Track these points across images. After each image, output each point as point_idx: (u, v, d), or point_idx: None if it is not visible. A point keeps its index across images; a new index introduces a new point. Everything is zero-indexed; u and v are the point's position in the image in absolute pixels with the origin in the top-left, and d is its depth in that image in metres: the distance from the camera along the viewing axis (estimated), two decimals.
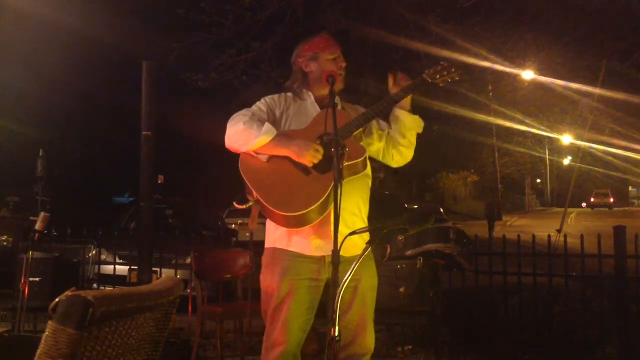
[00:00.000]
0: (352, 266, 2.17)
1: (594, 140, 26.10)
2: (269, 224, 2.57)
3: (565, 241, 5.45)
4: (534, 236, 5.24)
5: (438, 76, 2.59)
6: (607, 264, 4.61)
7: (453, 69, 2.60)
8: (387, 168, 2.88)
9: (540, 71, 14.84)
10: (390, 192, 16.58)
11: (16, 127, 15.61)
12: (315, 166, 2.45)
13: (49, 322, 1.17)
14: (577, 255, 4.82)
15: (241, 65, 11.09)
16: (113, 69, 17.07)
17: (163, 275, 5.67)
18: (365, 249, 2.24)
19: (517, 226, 25.90)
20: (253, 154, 2.52)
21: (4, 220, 8.41)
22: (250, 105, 2.66)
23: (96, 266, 6.78)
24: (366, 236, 2.53)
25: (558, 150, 41.97)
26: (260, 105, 2.65)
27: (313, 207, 2.36)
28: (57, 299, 1.17)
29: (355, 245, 2.45)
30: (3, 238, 7.95)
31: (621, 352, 4.46)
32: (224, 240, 8.46)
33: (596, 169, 37.02)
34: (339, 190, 2.14)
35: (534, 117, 26.29)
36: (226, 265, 4.94)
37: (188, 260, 5.76)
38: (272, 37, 10.89)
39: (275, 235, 2.56)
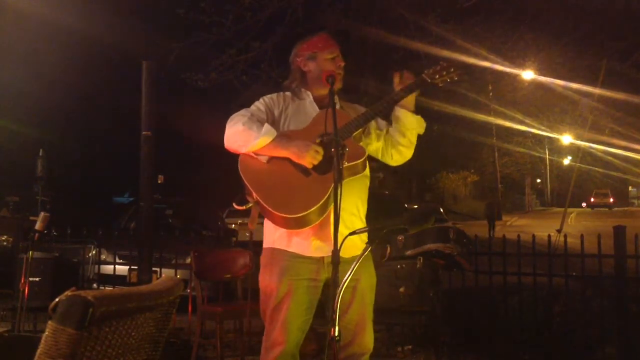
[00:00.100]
0: (352, 266, 2.17)
1: (594, 140, 26.13)
2: (268, 224, 2.56)
3: (565, 241, 5.46)
4: (534, 236, 5.24)
5: (437, 76, 2.58)
6: (607, 264, 4.61)
7: (452, 69, 2.58)
8: (386, 168, 2.88)
9: (540, 71, 14.85)
10: (390, 192, 16.58)
11: (16, 127, 15.62)
12: (315, 167, 2.44)
13: (49, 322, 1.17)
14: (577, 255, 4.82)
15: (241, 65, 11.10)
16: (113, 69, 17.07)
17: (163, 275, 5.67)
18: (365, 249, 2.24)
19: (517, 226, 25.91)
20: (253, 155, 2.51)
21: (4, 220, 8.41)
22: (250, 106, 2.65)
23: (96, 266, 6.78)
24: (364, 236, 2.53)
25: (558, 150, 42.00)
26: (259, 105, 2.63)
27: (313, 209, 2.35)
28: (57, 299, 1.17)
29: (354, 246, 2.45)
30: (3, 238, 7.95)
31: (621, 352, 4.46)
32: (224, 240, 8.46)
33: (596, 169, 37.04)
34: (339, 191, 2.14)
35: (534, 117, 26.33)
36: (226, 265, 4.94)
37: (188, 260, 5.76)
38: (272, 37, 10.90)
39: (274, 236, 2.55)
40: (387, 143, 2.71)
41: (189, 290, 5.39)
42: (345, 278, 2.13)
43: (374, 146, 2.71)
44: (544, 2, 12.06)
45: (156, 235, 6.08)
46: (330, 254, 2.11)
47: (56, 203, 9.87)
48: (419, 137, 2.73)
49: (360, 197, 2.62)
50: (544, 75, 15.46)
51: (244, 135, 2.46)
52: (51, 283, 5.75)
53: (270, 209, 2.40)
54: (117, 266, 6.55)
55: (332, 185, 2.21)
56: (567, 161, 44.50)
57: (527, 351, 4.80)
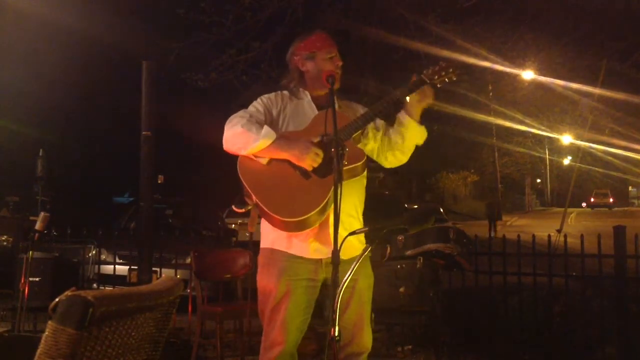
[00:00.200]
0: (352, 266, 2.17)
1: (594, 140, 26.12)
2: (265, 224, 2.55)
3: (565, 241, 5.46)
4: (534, 236, 5.24)
5: (436, 77, 2.55)
6: (607, 264, 4.61)
7: (451, 70, 2.56)
8: (387, 168, 2.87)
9: (540, 71, 14.86)
10: (390, 192, 16.59)
11: (16, 127, 15.61)
12: (314, 170, 2.43)
13: (49, 322, 1.17)
14: (577, 255, 4.82)
15: (241, 65, 11.11)
16: (113, 69, 17.06)
17: (163, 275, 5.67)
18: (365, 249, 2.24)
19: (517, 226, 25.91)
20: (252, 157, 2.50)
21: (4, 220, 8.41)
22: (249, 106, 2.65)
23: (96, 266, 6.78)
24: (362, 237, 2.53)
25: (558, 150, 41.99)
26: (258, 105, 2.61)
27: (313, 212, 2.35)
28: (57, 299, 1.17)
29: (352, 247, 2.45)
30: (3, 238, 7.95)
31: (621, 352, 4.46)
32: (224, 240, 8.46)
33: (596, 169, 37.03)
34: (339, 191, 2.13)
35: (534, 117, 26.32)
36: (226, 265, 4.94)
37: (188, 260, 5.76)
38: (272, 37, 10.91)
39: (272, 236, 2.55)
40: (383, 144, 2.69)
41: (189, 290, 5.39)
42: (345, 278, 2.13)
43: (370, 146, 2.69)
44: (544, 2, 12.06)
45: (156, 235, 6.09)
46: (328, 256, 2.11)
47: (56, 203, 9.87)
48: None
49: (358, 198, 2.62)
50: (544, 75, 15.46)
51: (243, 138, 2.45)
52: (51, 283, 5.75)
53: (269, 212, 2.39)
54: (117, 266, 6.55)
55: (332, 188, 2.20)
56: (567, 161, 44.50)
57: (527, 351, 4.80)
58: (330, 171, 2.28)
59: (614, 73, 13.66)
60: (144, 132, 5.42)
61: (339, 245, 2.10)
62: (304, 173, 2.44)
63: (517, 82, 17.98)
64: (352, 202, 2.57)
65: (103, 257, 6.83)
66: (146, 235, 5.52)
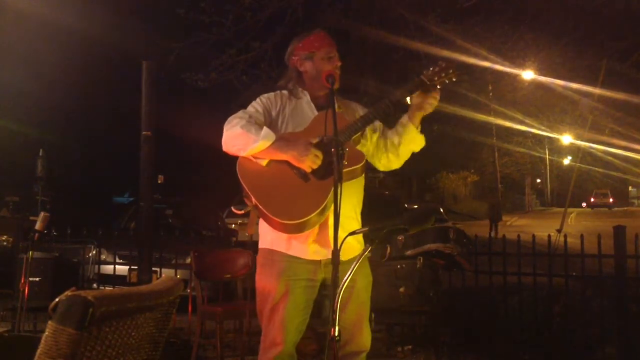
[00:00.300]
0: (352, 266, 2.17)
1: (594, 140, 26.12)
2: (263, 224, 2.54)
3: (565, 241, 5.45)
4: (534, 236, 5.24)
5: (436, 78, 2.52)
6: (607, 264, 4.61)
7: (451, 70, 2.53)
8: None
9: (540, 71, 14.86)
10: (390, 192, 16.58)
11: (16, 127, 15.62)
12: (314, 172, 2.42)
13: (49, 322, 1.17)
14: (577, 255, 4.82)
15: (241, 65, 11.12)
16: (113, 69, 17.08)
17: (163, 275, 5.67)
18: (365, 249, 2.24)
19: (517, 226, 25.90)
20: (251, 158, 2.48)
21: (4, 220, 8.42)
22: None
23: (96, 266, 6.78)
24: (361, 238, 2.53)
25: (558, 150, 42.01)
26: (256, 106, 2.60)
27: (312, 214, 2.34)
28: (57, 299, 1.17)
29: (351, 248, 2.45)
30: (3, 238, 7.96)
31: (621, 352, 4.46)
32: (224, 240, 8.46)
33: (596, 169, 37.04)
34: (339, 192, 2.13)
35: (534, 117, 26.34)
36: (226, 265, 4.93)
37: (188, 260, 5.76)
38: (272, 37, 10.92)
39: (271, 237, 2.54)
40: (378, 146, 2.68)
41: (189, 290, 5.39)
42: (345, 278, 2.13)
43: (366, 147, 2.67)
44: (544, 2, 12.06)
45: (156, 235, 6.08)
46: (327, 257, 2.11)
47: (56, 203, 9.87)
48: None
49: (357, 200, 2.62)
50: (544, 75, 15.47)
51: (242, 139, 2.43)
52: (51, 283, 5.75)
53: (269, 214, 2.38)
54: (117, 266, 6.55)
55: (331, 190, 2.19)
56: (567, 161, 44.50)
57: (527, 351, 4.80)
58: (330, 173, 2.26)
59: (614, 73, 13.67)
60: (144, 132, 5.42)
61: (339, 245, 2.10)
62: (303, 175, 2.43)
63: (517, 82, 17.99)
64: (351, 204, 2.56)
65: (103, 257, 6.83)
66: (146, 235, 5.52)
